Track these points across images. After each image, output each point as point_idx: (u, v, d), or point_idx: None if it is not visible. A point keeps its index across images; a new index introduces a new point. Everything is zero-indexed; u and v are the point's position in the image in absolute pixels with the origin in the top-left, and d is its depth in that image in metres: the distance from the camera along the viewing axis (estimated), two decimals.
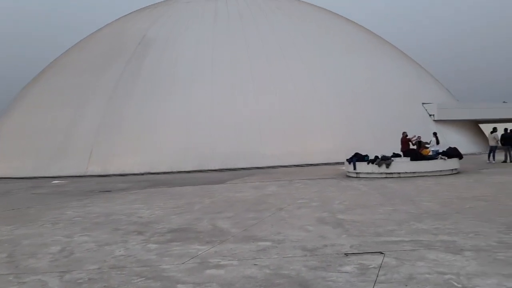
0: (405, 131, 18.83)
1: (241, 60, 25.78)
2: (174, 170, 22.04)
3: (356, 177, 15.51)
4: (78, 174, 22.42)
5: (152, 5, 33.88)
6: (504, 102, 44.32)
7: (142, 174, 21.78)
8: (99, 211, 10.10)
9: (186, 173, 21.27)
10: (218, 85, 24.79)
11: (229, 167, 22.13)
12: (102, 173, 22.21)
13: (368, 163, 15.54)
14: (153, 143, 23.29)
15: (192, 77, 25.24)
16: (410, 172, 14.99)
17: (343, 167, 17.23)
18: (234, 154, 22.62)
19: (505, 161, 19.97)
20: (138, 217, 8.97)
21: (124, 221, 8.62)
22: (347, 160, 16.42)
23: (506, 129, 21.80)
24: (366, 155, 16.04)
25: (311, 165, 22.23)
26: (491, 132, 21.51)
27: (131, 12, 34.28)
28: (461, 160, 16.28)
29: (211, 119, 23.63)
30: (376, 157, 15.53)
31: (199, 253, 5.84)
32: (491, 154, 20.50)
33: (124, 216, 9.16)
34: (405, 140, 18.31)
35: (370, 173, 15.34)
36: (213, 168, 22.09)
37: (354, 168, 15.81)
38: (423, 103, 28.63)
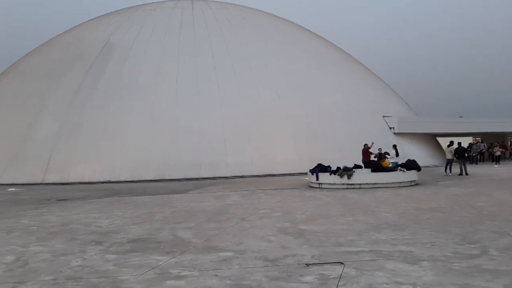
0: (366, 143, 19.22)
1: (207, 70, 25.69)
2: (135, 179, 21.63)
3: (319, 188, 15.66)
4: (35, 182, 21.65)
5: (116, 11, 33.40)
6: (460, 117, 46.04)
7: (102, 182, 21.26)
8: (56, 220, 9.77)
9: (147, 182, 20.92)
10: (182, 94, 24.59)
11: (191, 176, 21.93)
12: (60, 181, 21.54)
13: (330, 174, 15.73)
14: (113, 151, 22.80)
15: (156, 85, 24.95)
16: (371, 183, 15.27)
17: (306, 178, 17.38)
18: (197, 164, 22.44)
19: (460, 174, 20.65)
20: (96, 227, 8.73)
21: (82, 230, 8.38)
22: (310, 170, 16.57)
23: (459, 143, 22.63)
24: (329, 166, 16.23)
25: (275, 175, 22.30)
26: (448, 146, 22.26)
27: (93, 18, 33.63)
28: (419, 172, 16.73)
29: (174, 128, 23.38)
30: (338, 168, 15.74)
31: (159, 263, 5.73)
32: (448, 167, 21.18)
33: (81, 226, 8.90)
34: (366, 152, 18.68)
35: (332, 184, 15.52)
36: (175, 178, 21.81)
37: (317, 179, 15.97)
38: (383, 116, 29.31)
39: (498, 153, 32.39)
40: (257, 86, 25.62)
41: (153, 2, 33.51)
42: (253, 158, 23.05)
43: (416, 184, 15.97)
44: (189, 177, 21.86)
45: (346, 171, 15.36)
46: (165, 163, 22.41)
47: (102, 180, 21.57)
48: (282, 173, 22.56)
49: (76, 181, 21.51)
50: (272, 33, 30.28)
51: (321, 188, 15.57)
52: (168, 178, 21.79)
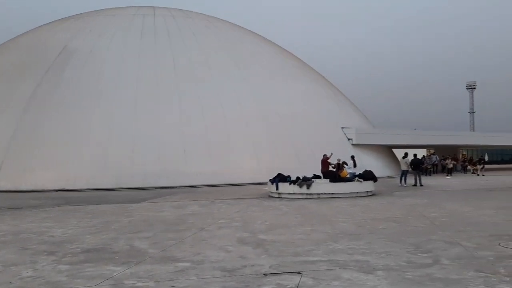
0: (325, 153, 19.50)
1: (167, 77, 25.48)
2: (91, 187, 21.07)
3: (278, 198, 15.75)
4: None
5: (76, 15, 32.67)
6: (415, 129, 47.59)
7: (57, 190, 20.58)
8: (7, 229, 9.38)
9: (104, 191, 20.42)
10: (142, 102, 24.26)
11: (150, 185, 21.58)
12: (13, 189, 20.68)
13: (290, 184, 15.87)
14: (69, 159, 22.16)
15: (115, 91, 24.50)
16: (329, 193, 15.51)
17: (266, 188, 17.45)
18: (156, 172, 22.13)
19: (415, 185, 21.28)
20: (49, 236, 8.44)
21: (34, 240, 8.07)
22: (270, 180, 16.67)
23: (415, 155, 23.35)
24: (289, 176, 16.38)
25: (235, 185, 22.28)
26: (403, 157, 22.94)
27: (51, 22, 32.76)
28: (375, 182, 17.13)
29: (132, 136, 22.99)
30: (298, 178, 15.90)
31: (114, 274, 5.59)
32: (403, 178, 21.78)
33: (34, 235, 8.58)
34: (325, 162, 18.95)
35: (292, 193, 15.66)
36: (133, 186, 21.40)
37: (277, 189, 16.07)
38: (342, 127, 29.89)
39: (451, 165, 33.64)
40: (218, 95, 25.61)
41: (114, 8, 33.02)
42: (213, 168, 22.96)
43: (373, 195, 16.34)
44: (147, 186, 21.51)
45: (305, 181, 15.54)
46: (122, 171, 21.98)
47: (57, 188, 20.89)
48: (242, 182, 22.56)
49: (30, 188, 20.74)
50: (235, 42, 30.46)
51: (281, 198, 15.67)
52: (125, 186, 21.36)
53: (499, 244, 7.01)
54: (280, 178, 16.25)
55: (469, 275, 5.25)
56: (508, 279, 5.06)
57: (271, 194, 16.43)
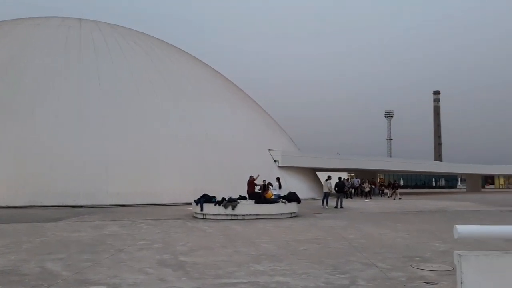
0: (252, 174, 19.64)
1: (91, 93, 24.59)
2: (3, 204, 19.66)
3: (203, 219, 15.57)
4: None
5: None
6: (337, 154, 49.48)
7: None
8: None
9: (16, 209, 19.10)
10: (64, 117, 23.19)
11: (68, 204, 20.52)
12: None
13: (215, 205, 15.76)
14: None
15: (34, 106, 23.23)
16: (254, 214, 15.59)
17: (191, 208, 17.20)
18: (75, 191, 21.08)
19: (336, 207, 21.98)
20: None
21: None
22: (195, 201, 16.44)
23: (340, 178, 24.22)
24: (214, 197, 16.28)
25: (159, 205, 21.76)
26: (326, 180, 23.67)
27: None
28: (299, 204, 17.47)
29: (50, 152, 21.83)
30: (223, 198, 15.85)
31: None
32: (325, 200, 22.44)
33: None
34: (251, 183, 19.06)
35: (217, 214, 15.55)
36: (50, 204, 20.24)
37: (201, 209, 15.88)
38: (269, 150, 30.39)
39: (367, 189, 35.20)
40: (145, 114, 25.10)
41: (38, 17, 31.54)
42: (136, 187, 22.31)
43: (296, 216, 16.63)
44: (65, 204, 20.43)
45: (230, 202, 15.51)
46: (38, 189, 20.75)
47: None
48: (166, 202, 22.12)
49: None
50: (164, 61, 30.13)
51: (206, 218, 15.50)
52: (42, 204, 20.15)
53: (410, 265, 7.37)
54: (205, 199, 16.09)
55: None
56: None
57: (195, 215, 16.21)
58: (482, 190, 66.14)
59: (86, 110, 23.83)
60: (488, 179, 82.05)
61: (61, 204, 20.44)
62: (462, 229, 4.79)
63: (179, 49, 35.02)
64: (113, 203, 21.22)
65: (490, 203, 28.12)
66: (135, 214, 17.14)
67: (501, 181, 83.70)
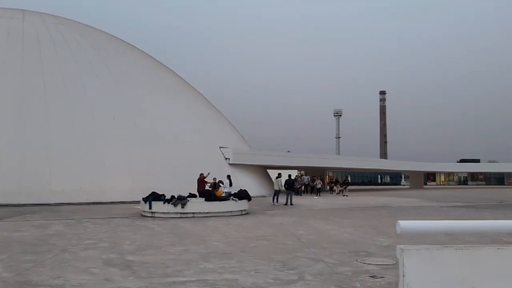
0: (202, 172, 19.53)
1: (34, 87, 23.50)
2: None
3: (151, 217, 15.30)
4: None
5: None
6: (288, 151, 50.10)
7: None
8: None
9: None
10: (2, 112, 22.07)
11: (8, 203, 19.56)
12: None
13: (164, 203, 15.53)
14: None
15: None
16: (204, 212, 15.50)
17: (139, 207, 16.86)
18: (16, 189, 20.13)
19: (286, 204, 22.23)
20: None
21: None
22: (143, 199, 16.12)
23: (289, 176, 24.50)
24: (163, 195, 16.03)
25: (106, 203, 21.17)
26: (276, 178, 23.88)
27: None
28: (250, 201, 17.54)
29: None
30: (173, 196, 15.65)
31: None
32: (275, 197, 22.66)
33: None
34: (201, 181, 18.96)
35: (166, 212, 15.33)
36: None
37: (150, 208, 15.60)
38: (220, 147, 30.29)
39: (319, 185, 35.86)
40: (91, 109, 24.32)
41: None
42: (82, 185, 21.61)
43: (247, 213, 16.69)
44: (6, 203, 19.47)
45: (180, 200, 15.34)
46: None
47: None
48: (114, 201, 21.56)
49: None
50: (111, 54, 29.31)
51: (154, 217, 15.25)
52: None
53: (356, 260, 7.57)
54: (154, 197, 15.82)
55: None
56: None
57: (144, 214, 15.90)
58: (425, 186, 69.06)
59: (28, 104, 22.78)
60: (430, 176, 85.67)
61: (2, 203, 19.46)
62: (404, 224, 4.97)
63: (128, 43, 34.17)
64: (57, 202, 20.43)
65: (432, 199, 29.39)
66: (81, 213, 16.61)
67: (442, 178, 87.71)
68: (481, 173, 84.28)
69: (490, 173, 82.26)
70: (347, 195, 33.59)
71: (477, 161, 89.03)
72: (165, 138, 26.04)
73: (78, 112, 23.82)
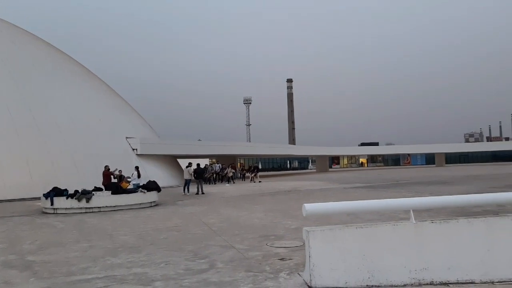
0: (107, 164, 18.77)
1: None
2: None
3: (54, 213, 14.45)
4: None
5: None
6: (199, 140, 49.85)
7: None
8: None
9: None
10: None
11: None
12: None
13: (67, 198, 14.73)
14: None
15: None
16: (111, 206, 14.93)
17: (40, 203, 15.82)
18: None
19: (197, 193, 22.15)
20: None
21: None
22: (44, 195, 15.14)
23: (198, 164, 24.38)
24: (66, 190, 15.20)
25: (2, 201, 19.57)
26: (187, 167, 23.69)
27: None
28: (159, 192, 17.21)
29: None
30: (76, 191, 14.88)
31: None
32: (186, 187, 22.47)
33: None
34: (107, 174, 18.23)
35: (69, 208, 14.56)
36: None
37: (52, 204, 14.71)
38: (126, 137, 29.28)
39: (230, 174, 36.10)
40: None
41: None
42: None
43: (156, 205, 16.37)
44: None
45: (84, 194, 14.63)
46: None
47: None
48: (12, 198, 20.03)
49: None
50: (5, 42, 26.89)
51: (57, 213, 14.41)
52: None
53: (266, 244, 7.76)
54: (55, 192, 14.92)
55: (240, 276, 5.65)
56: (272, 275, 5.61)
57: (45, 210, 14.95)
58: (330, 170, 72.57)
59: None
60: (335, 160, 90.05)
61: None
62: (310, 207, 5.18)
63: (26, 31, 31.56)
64: None
65: (336, 181, 30.97)
66: None
67: (345, 161, 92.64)
68: (379, 155, 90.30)
69: (387, 155, 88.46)
70: (260, 181, 34.18)
71: (376, 144, 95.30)
72: (66, 130, 24.54)
73: None
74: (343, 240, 5.00)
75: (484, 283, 5.02)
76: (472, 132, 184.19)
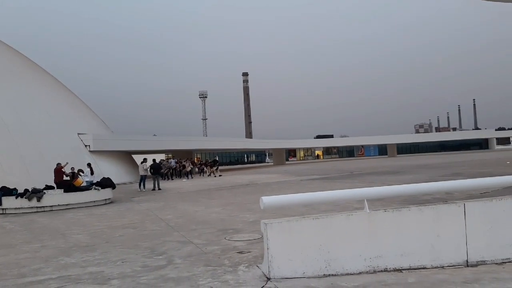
0: (59, 162, 18.14)
1: None
2: None
3: (2, 214, 13.88)
4: None
5: None
6: (154, 135, 49.08)
7: None
8: None
9: None
10: None
11: None
12: None
13: (16, 198, 14.18)
14: None
15: None
16: (64, 205, 14.51)
17: None
18: None
19: (154, 189, 21.83)
20: None
21: None
22: None
23: (154, 160, 24.01)
24: (15, 189, 14.63)
25: None
26: (142, 162, 23.28)
27: None
28: (114, 189, 16.84)
29: None
30: (26, 190, 14.35)
31: None
32: (142, 183, 22.10)
33: None
34: (59, 171, 17.61)
35: (19, 208, 14.03)
36: None
37: (0, 204, 14.11)
38: (78, 134, 28.40)
39: (189, 168, 35.77)
40: None
41: None
42: None
43: (111, 202, 16.03)
44: None
45: (35, 193, 14.12)
46: None
47: None
48: None
49: None
50: None
51: (5, 214, 13.87)
52: None
53: (225, 238, 7.75)
54: (4, 192, 14.33)
55: (199, 271, 5.61)
56: (231, 269, 5.61)
57: None
58: (286, 162, 73.31)
59: None
60: (291, 153, 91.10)
61: None
62: (267, 199, 5.21)
63: None
64: None
65: (292, 174, 31.34)
66: None
67: (302, 153, 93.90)
68: (334, 148, 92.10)
69: (342, 147, 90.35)
70: (221, 175, 33.98)
71: (331, 136, 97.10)
72: (12, 127, 23.45)
73: None
74: (300, 231, 5.06)
75: (435, 267, 5.22)
76: (422, 123, 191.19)
